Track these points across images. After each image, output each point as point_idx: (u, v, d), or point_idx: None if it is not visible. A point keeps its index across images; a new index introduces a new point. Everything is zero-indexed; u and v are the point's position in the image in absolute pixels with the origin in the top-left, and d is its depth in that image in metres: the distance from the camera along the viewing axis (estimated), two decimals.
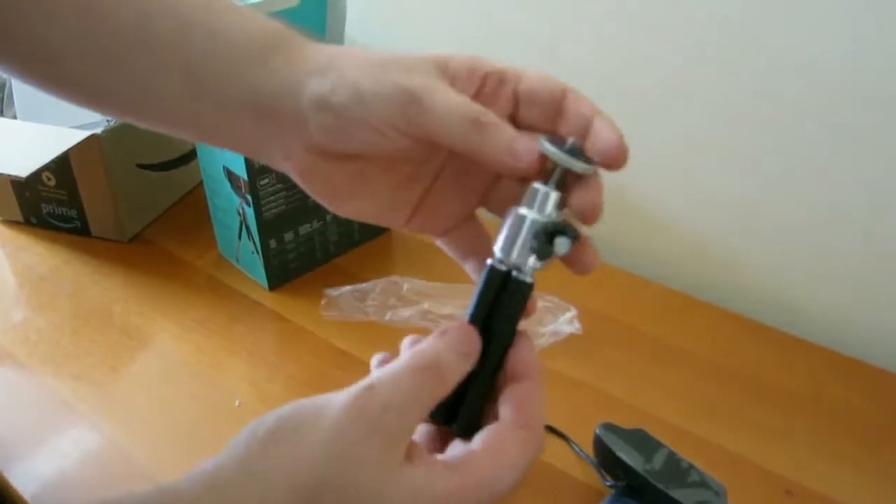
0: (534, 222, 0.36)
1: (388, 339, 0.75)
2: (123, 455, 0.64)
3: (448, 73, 0.36)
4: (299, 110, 0.36)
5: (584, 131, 0.35)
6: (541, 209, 0.36)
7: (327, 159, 0.38)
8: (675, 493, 0.54)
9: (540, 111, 0.37)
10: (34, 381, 0.72)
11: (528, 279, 0.37)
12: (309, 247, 0.85)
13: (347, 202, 0.40)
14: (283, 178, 0.78)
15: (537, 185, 0.36)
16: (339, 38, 1.00)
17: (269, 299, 0.83)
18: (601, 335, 0.77)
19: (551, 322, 0.76)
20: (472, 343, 0.36)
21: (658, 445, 0.58)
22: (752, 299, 0.86)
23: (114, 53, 0.37)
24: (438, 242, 0.44)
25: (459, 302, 0.78)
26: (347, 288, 0.81)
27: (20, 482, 0.61)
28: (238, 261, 0.87)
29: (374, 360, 0.39)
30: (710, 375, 0.73)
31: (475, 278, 0.39)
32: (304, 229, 0.83)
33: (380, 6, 1.05)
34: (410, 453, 0.32)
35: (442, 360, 0.34)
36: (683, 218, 0.89)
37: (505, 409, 0.36)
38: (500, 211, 0.40)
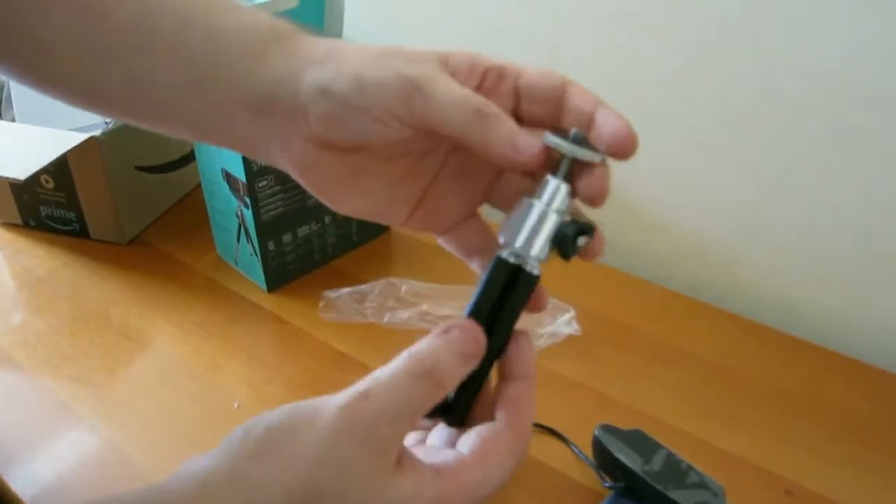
0: (556, 218, 0.36)
1: (386, 340, 0.75)
2: (122, 457, 0.64)
3: (449, 67, 0.36)
4: (298, 101, 0.36)
5: (588, 122, 0.35)
6: (559, 203, 0.36)
7: (327, 151, 0.37)
8: (674, 495, 0.54)
9: (541, 105, 0.37)
10: (33, 384, 0.72)
11: (536, 272, 0.37)
12: (307, 249, 0.85)
13: (347, 198, 0.40)
14: (281, 181, 0.78)
15: (550, 177, 0.36)
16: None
17: (268, 301, 0.83)
18: (600, 336, 0.77)
19: (550, 323, 0.76)
20: (477, 344, 0.35)
21: (657, 446, 0.58)
22: (752, 300, 0.85)
23: (111, 51, 0.37)
24: (441, 241, 0.43)
25: (458, 303, 0.78)
26: (346, 290, 0.81)
27: (19, 485, 0.61)
28: (236, 263, 0.87)
29: None
30: (710, 376, 0.73)
31: (481, 275, 0.39)
32: (303, 231, 0.83)
33: (378, 7, 1.05)
34: (401, 460, 0.32)
35: (441, 365, 0.33)
36: (683, 218, 0.89)
37: (499, 408, 0.36)
38: (505, 206, 0.40)
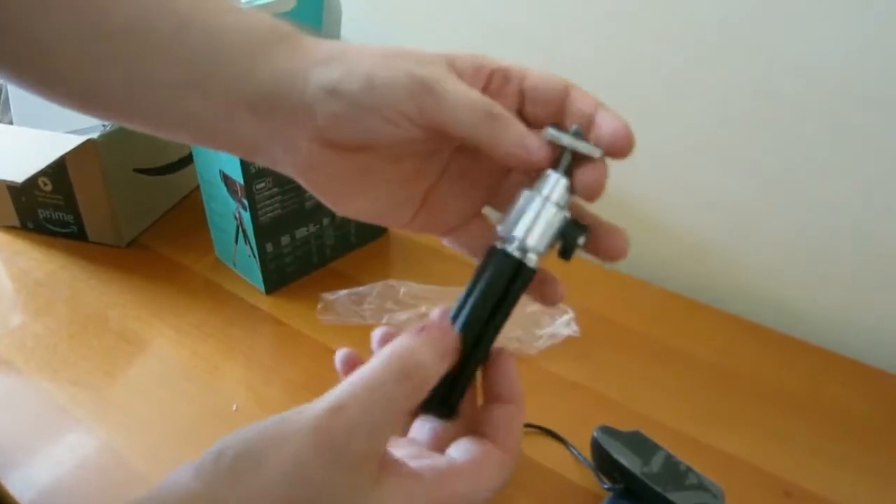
0: (555, 211, 0.36)
1: None
2: (121, 461, 0.64)
3: (455, 69, 0.37)
4: (305, 100, 0.36)
5: (589, 124, 0.36)
6: (558, 197, 0.36)
7: (333, 151, 0.37)
8: (673, 496, 0.54)
9: (544, 107, 0.37)
10: (31, 387, 0.72)
11: (533, 264, 0.37)
12: (305, 251, 0.85)
13: (351, 198, 0.39)
14: (279, 182, 0.78)
15: (550, 171, 0.36)
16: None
17: (266, 303, 0.83)
18: (599, 337, 0.77)
19: (549, 324, 0.76)
20: (451, 342, 0.35)
21: (655, 448, 0.58)
22: (751, 301, 0.85)
23: (110, 52, 0.37)
24: (446, 241, 0.43)
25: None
26: (344, 292, 0.81)
27: (17, 489, 0.61)
28: (235, 265, 0.87)
29: (338, 358, 0.38)
30: (709, 377, 0.73)
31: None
32: (301, 233, 0.83)
33: (376, 8, 1.05)
34: (385, 467, 0.31)
35: (420, 365, 0.33)
36: (682, 219, 0.89)
37: (490, 430, 0.35)
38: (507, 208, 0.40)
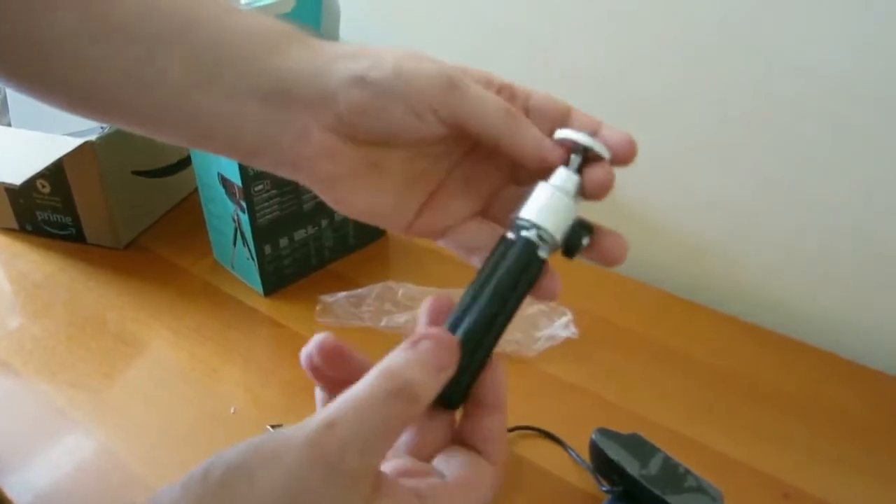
0: (572, 203, 0.37)
1: (383, 345, 0.74)
2: (119, 463, 0.64)
3: (469, 77, 0.38)
4: (327, 89, 0.36)
5: (594, 134, 0.38)
6: (573, 192, 0.37)
7: (347, 142, 0.37)
8: (672, 499, 0.54)
9: (548, 125, 0.38)
10: (29, 389, 0.72)
11: (545, 255, 0.37)
12: (304, 252, 0.85)
13: (356, 195, 0.39)
14: (277, 185, 0.78)
15: (563, 168, 0.37)
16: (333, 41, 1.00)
17: (265, 305, 0.83)
18: (597, 339, 0.77)
19: (547, 326, 0.76)
20: (451, 354, 0.33)
21: (654, 450, 0.58)
22: (750, 302, 0.85)
23: (113, 50, 0.37)
24: (441, 242, 0.43)
25: None
26: (342, 294, 0.81)
27: (15, 492, 0.61)
28: (233, 267, 0.87)
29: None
30: (708, 378, 0.73)
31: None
32: (299, 235, 0.83)
33: (374, 10, 1.05)
34: (379, 485, 0.30)
35: (415, 382, 0.31)
36: (681, 220, 0.89)
37: (479, 442, 0.35)
38: (501, 219, 0.40)
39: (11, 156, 0.84)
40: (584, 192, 0.37)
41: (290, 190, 0.79)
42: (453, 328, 0.36)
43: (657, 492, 0.54)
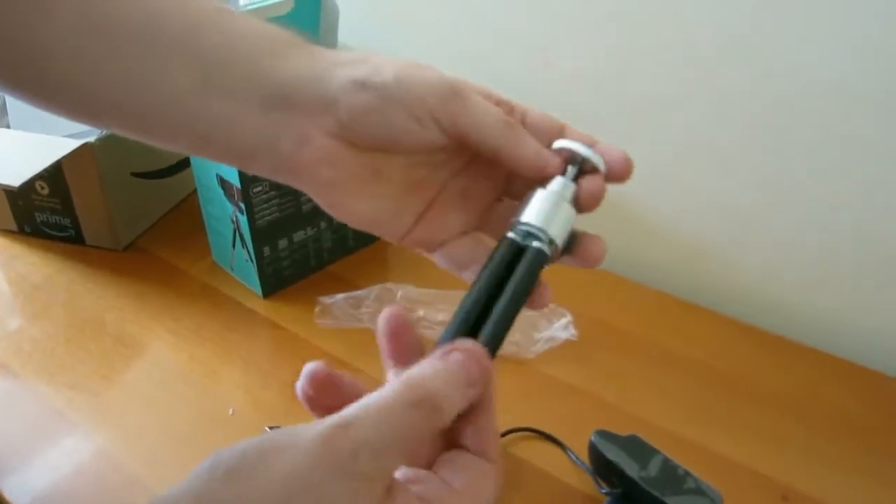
0: (571, 210, 0.38)
1: None
2: (117, 465, 0.64)
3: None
4: (328, 93, 0.36)
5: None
6: (571, 199, 0.38)
7: (348, 147, 0.37)
8: (671, 501, 0.54)
9: (545, 142, 0.39)
10: (28, 391, 0.72)
11: (548, 252, 0.37)
12: (303, 254, 0.85)
13: (355, 201, 0.39)
14: (276, 186, 0.78)
15: (560, 177, 0.38)
16: (332, 45, 1.00)
17: (264, 307, 0.83)
18: (597, 340, 0.77)
19: (546, 328, 0.76)
20: (481, 369, 0.32)
21: (653, 452, 0.58)
22: (749, 303, 0.85)
23: (114, 54, 0.36)
24: (434, 256, 0.43)
25: (453, 309, 0.78)
26: (341, 295, 0.81)
27: (13, 493, 0.61)
28: (232, 268, 0.86)
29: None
30: (706, 380, 0.73)
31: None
32: (298, 236, 0.83)
33: (374, 10, 1.05)
34: (391, 490, 0.30)
35: (439, 391, 0.31)
36: (679, 222, 0.89)
37: (476, 443, 0.34)
38: (496, 233, 0.41)
39: (10, 157, 0.84)
40: (576, 203, 0.38)
41: (288, 191, 0.79)
42: (468, 333, 0.35)
43: (656, 493, 0.54)
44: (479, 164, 0.40)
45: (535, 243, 0.37)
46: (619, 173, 0.38)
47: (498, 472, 0.34)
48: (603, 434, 0.60)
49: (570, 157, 0.38)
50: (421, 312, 0.78)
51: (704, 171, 0.84)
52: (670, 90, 0.82)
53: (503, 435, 0.65)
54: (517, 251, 0.37)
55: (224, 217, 0.82)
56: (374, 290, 0.81)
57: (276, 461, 0.29)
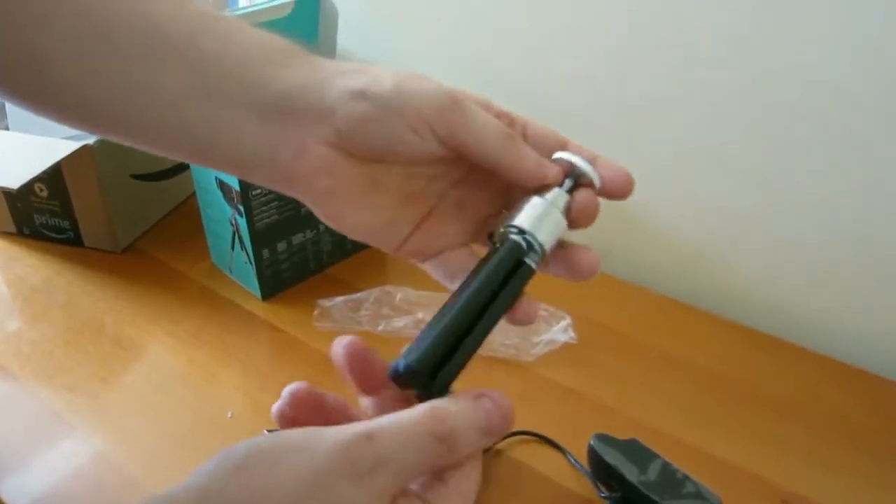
0: (563, 220, 0.38)
1: (381, 349, 0.74)
2: (116, 468, 0.64)
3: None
4: (325, 103, 0.36)
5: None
6: (564, 209, 0.38)
7: (346, 157, 0.37)
8: None
9: (547, 154, 0.39)
10: (27, 393, 0.72)
11: (535, 266, 0.38)
12: (302, 256, 0.85)
13: (352, 211, 0.39)
14: None
15: (557, 188, 0.38)
16: (331, 46, 1.00)
17: (263, 309, 0.82)
18: (596, 343, 0.77)
19: (546, 331, 0.76)
20: (504, 424, 0.33)
21: (653, 456, 0.58)
22: (748, 306, 0.85)
23: (113, 59, 0.36)
24: (427, 265, 0.43)
25: None
26: (340, 298, 0.80)
27: (11, 496, 0.61)
28: (231, 271, 0.86)
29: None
30: (707, 383, 0.73)
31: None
32: (297, 239, 0.83)
33: (373, 13, 1.05)
34: (395, 499, 0.31)
35: (462, 434, 0.32)
36: (679, 225, 0.89)
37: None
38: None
39: (9, 159, 0.84)
40: (568, 215, 0.38)
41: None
42: (439, 321, 0.36)
43: (656, 498, 0.54)
44: (477, 176, 0.40)
45: (513, 237, 0.37)
46: (619, 191, 0.38)
47: (478, 466, 0.34)
48: (602, 438, 0.60)
49: (569, 170, 0.38)
50: (420, 315, 0.78)
51: (704, 172, 0.84)
52: (670, 91, 0.82)
53: (502, 439, 0.65)
54: (506, 255, 0.37)
55: (223, 220, 0.82)
56: (373, 293, 0.81)
57: (292, 458, 0.29)
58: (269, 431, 0.66)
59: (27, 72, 0.37)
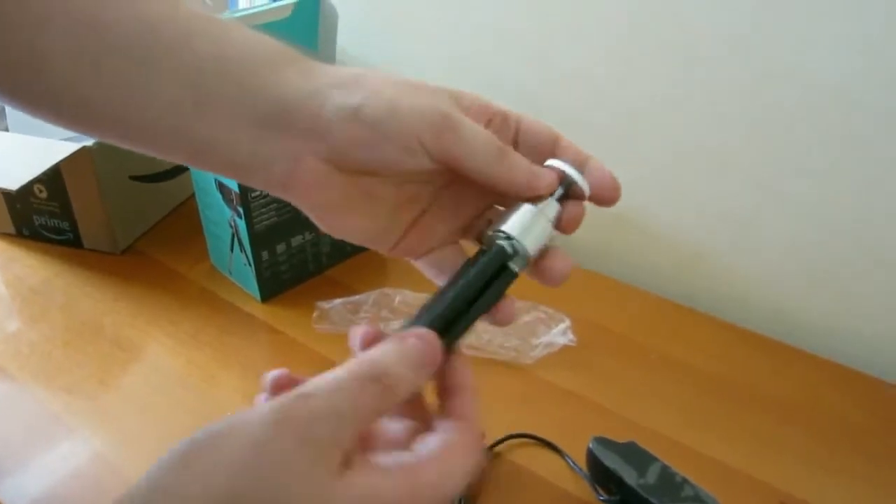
0: (549, 227, 0.38)
1: None
2: (114, 469, 0.64)
3: (462, 105, 0.38)
4: (321, 120, 0.36)
5: (581, 167, 0.39)
6: (552, 217, 0.39)
7: (340, 172, 0.37)
8: None
9: (537, 153, 0.39)
10: (25, 394, 0.72)
11: (517, 269, 0.38)
12: (301, 258, 0.85)
13: (346, 219, 0.39)
14: None
15: (549, 197, 0.39)
16: (331, 48, 1.00)
17: (262, 311, 0.82)
18: (595, 346, 0.76)
19: (545, 333, 0.76)
20: (435, 353, 0.34)
21: (651, 459, 0.58)
22: (747, 308, 0.85)
23: (110, 62, 0.36)
24: (417, 262, 0.43)
25: None
26: (339, 300, 0.80)
27: (9, 497, 0.61)
28: (230, 273, 0.86)
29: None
30: (706, 385, 0.73)
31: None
32: (297, 241, 0.83)
33: (372, 13, 1.05)
34: (349, 461, 0.31)
35: (393, 370, 0.32)
36: (678, 227, 0.89)
37: (453, 418, 0.35)
38: (482, 240, 0.41)
39: (9, 161, 0.84)
40: (556, 224, 0.39)
41: None
42: (420, 319, 0.37)
43: (654, 501, 0.54)
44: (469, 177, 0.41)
45: (500, 241, 0.38)
46: (606, 199, 0.39)
47: (473, 443, 0.34)
48: (601, 441, 0.59)
49: (560, 179, 0.39)
50: None
51: (704, 172, 0.84)
52: (670, 91, 0.82)
53: (501, 441, 0.65)
54: (492, 258, 0.38)
55: (222, 221, 0.82)
56: (372, 295, 0.81)
57: (230, 438, 0.29)
58: None
59: (27, 72, 0.37)
